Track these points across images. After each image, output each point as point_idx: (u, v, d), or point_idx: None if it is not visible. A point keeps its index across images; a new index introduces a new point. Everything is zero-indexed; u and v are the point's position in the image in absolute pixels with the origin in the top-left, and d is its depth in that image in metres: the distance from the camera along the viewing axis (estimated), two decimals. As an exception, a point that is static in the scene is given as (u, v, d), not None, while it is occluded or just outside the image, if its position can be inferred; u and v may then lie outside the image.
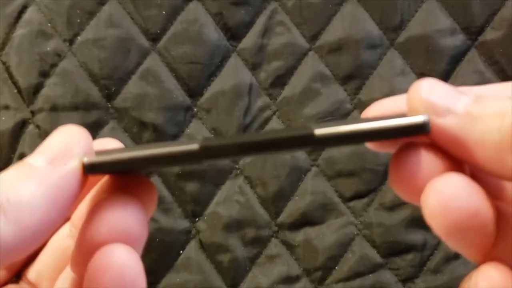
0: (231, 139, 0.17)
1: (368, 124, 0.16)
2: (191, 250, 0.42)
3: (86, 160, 0.16)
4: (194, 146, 0.16)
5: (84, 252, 0.16)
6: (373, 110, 0.19)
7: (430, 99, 0.17)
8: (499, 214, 0.16)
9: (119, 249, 0.16)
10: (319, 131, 0.16)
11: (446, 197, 0.15)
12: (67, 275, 0.19)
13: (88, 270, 0.16)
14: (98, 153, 0.17)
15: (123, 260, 0.16)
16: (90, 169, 0.16)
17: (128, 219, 0.16)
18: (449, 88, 0.17)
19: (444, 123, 0.16)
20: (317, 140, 0.16)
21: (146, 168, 0.17)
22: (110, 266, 0.15)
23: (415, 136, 0.16)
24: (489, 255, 0.16)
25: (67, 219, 0.21)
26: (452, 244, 0.16)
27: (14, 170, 0.16)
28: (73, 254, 0.17)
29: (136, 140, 0.43)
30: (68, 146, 0.16)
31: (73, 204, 0.16)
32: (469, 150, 0.16)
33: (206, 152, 0.16)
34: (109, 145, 0.19)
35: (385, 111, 0.19)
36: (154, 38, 0.44)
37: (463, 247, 0.16)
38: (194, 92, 0.44)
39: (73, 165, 0.16)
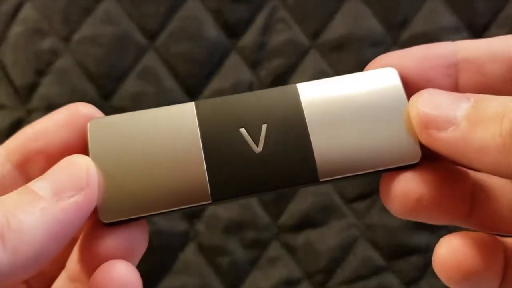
0: (240, 184, 0.18)
1: (366, 166, 0.18)
2: (190, 252, 0.42)
3: (106, 221, 0.18)
4: (207, 199, 0.18)
5: (88, 264, 0.17)
6: (373, 65, 0.20)
7: (429, 113, 0.17)
8: (476, 187, 0.18)
9: (121, 265, 0.17)
10: (324, 179, 0.18)
11: (394, 190, 0.18)
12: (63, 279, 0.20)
13: (91, 283, 0.17)
14: (112, 199, 0.18)
15: (125, 276, 0.17)
16: (110, 225, 0.18)
17: (134, 237, 0.18)
18: (447, 96, 0.17)
19: (446, 136, 0.16)
20: (320, 183, 0.18)
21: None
22: (112, 281, 0.17)
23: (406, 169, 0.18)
24: (466, 223, 0.19)
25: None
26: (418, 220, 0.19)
27: (17, 195, 0.16)
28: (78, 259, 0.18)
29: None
30: (75, 178, 0.17)
31: (72, 237, 0.17)
32: (474, 157, 0.16)
33: (217, 202, 0.18)
34: (83, 109, 0.19)
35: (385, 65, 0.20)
36: (152, 36, 0.44)
37: (425, 221, 0.19)
38: (193, 91, 0.43)
39: (77, 199, 0.17)
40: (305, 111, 0.19)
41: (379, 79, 0.19)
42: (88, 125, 0.18)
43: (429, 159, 0.18)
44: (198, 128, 0.18)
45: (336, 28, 0.44)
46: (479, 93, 0.17)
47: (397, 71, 0.19)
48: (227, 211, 0.42)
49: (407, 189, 0.18)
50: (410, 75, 0.19)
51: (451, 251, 0.17)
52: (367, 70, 0.20)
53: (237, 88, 0.43)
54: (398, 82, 0.19)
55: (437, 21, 0.44)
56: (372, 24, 0.44)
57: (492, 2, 0.45)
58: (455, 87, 0.19)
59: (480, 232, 0.18)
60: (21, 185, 0.18)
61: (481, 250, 0.17)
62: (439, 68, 0.19)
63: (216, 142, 0.18)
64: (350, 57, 0.44)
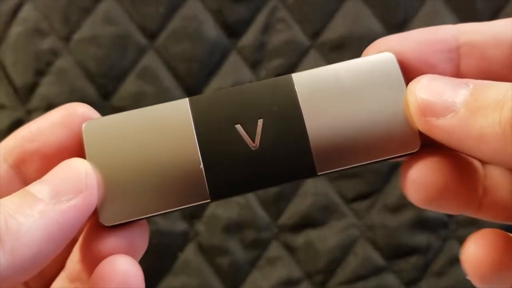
0: (238, 181, 0.18)
1: (364, 157, 0.18)
2: (190, 252, 0.42)
3: (107, 224, 0.18)
4: (205, 198, 0.18)
5: (89, 263, 0.17)
6: (371, 49, 0.19)
7: (427, 100, 0.17)
8: (485, 176, 0.18)
9: (124, 259, 0.17)
10: (322, 172, 0.18)
11: (412, 179, 0.18)
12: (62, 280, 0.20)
13: (93, 277, 0.17)
14: (113, 204, 0.18)
15: (128, 270, 0.17)
16: (111, 227, 0.18)
17: (135, 236, 0.18)
18: (446, 82, 0.17)
19: (445, 124, 0.16)
20: (318, 176, 0.18)
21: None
22: (115, 274, 0.17)
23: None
24: (477, 213, 0.19)
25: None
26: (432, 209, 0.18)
27: (16, 197, 0.16)
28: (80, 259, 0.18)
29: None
30: (74, 181, 0.17)
31: (70, 240, 0.17)
32: (472, 145, 0.16)
33: (215, 200, 0.18)
34: (80, 109, 0.19)
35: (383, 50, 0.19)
36: (152, 36, 0.44)
37: (441, 210, 0.18)
38: (193, 91, 0.43)
39: (76, 202, 0.17)
40: (301, 102, 0.18)
41: (377, 65, 0.19)
42: (83, 127, 0.18)
43: (429, 146, 0.18)
44: (193, 126, 0.18)
45: (336, 28, 0.44)
46: (481, 78, 0.17)
47: (395, 57, 0.19)
48: (227, 211, 0.42)
49: (427, 178, 0.17)
50: (410, 60, 0.18)
51: (479, 249, 0.17)
52: (364, 55, 0.19)
53: (237, 88, 0.43)
54: (396, 68, 0.18)
55: (437, 21, 0.44)
56: (372, 24, 0.44)
57: (492, 2, 0.44)
58: (457, 72, 0.18)
59: (501, 230, 0.18)
60: (17, 185, 0.18)
61: (506, 248, 0.17)
62: (440, 53, 0.18)
63: (212, 140, 0.18)
64: (350, 57, 0.43)
